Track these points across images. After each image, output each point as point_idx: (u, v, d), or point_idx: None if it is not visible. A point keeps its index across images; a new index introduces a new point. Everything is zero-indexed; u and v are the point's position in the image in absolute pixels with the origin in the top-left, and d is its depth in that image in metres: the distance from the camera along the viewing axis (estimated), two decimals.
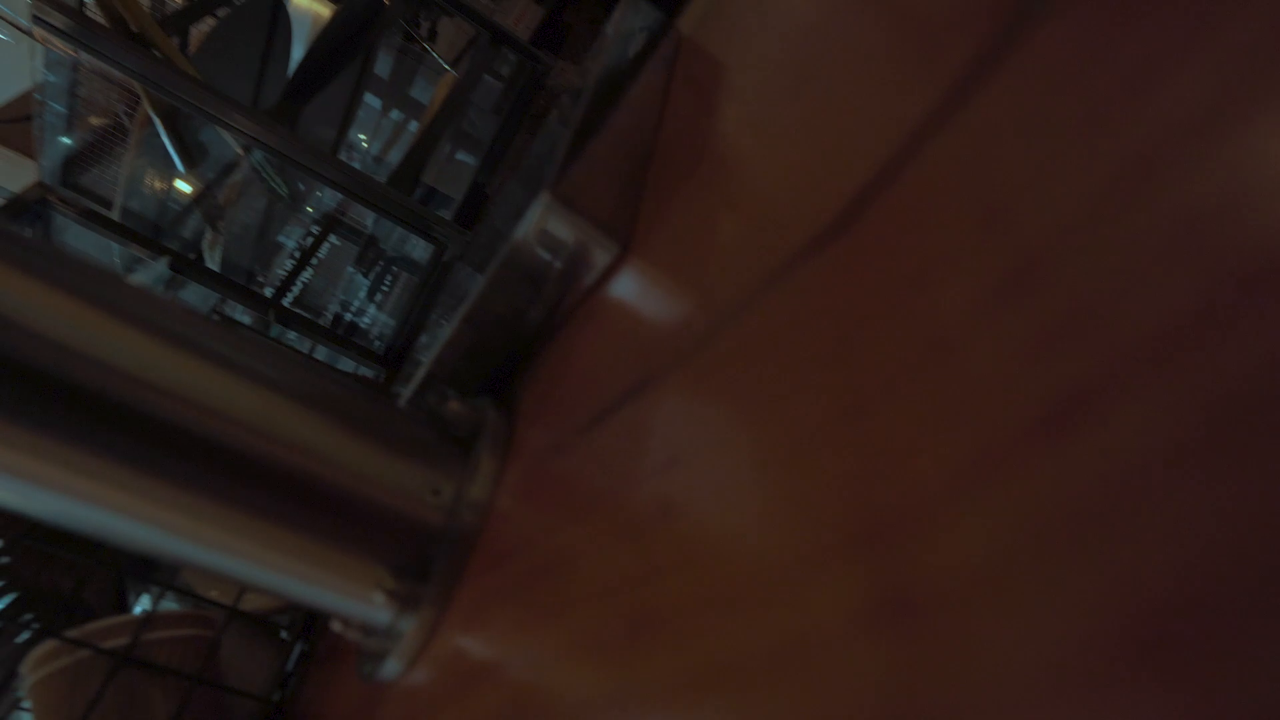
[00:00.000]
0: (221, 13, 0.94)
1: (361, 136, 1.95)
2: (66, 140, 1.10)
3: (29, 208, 0.91)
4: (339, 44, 0.95)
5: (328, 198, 1.29)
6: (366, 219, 1.35)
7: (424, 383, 0.35)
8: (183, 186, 1.06)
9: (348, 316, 1.47)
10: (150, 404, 0.23)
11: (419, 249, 1.44)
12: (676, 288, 0.21)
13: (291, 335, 1.11)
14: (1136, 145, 0.09)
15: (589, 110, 0.33)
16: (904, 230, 0.13)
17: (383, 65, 1.42)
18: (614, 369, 0.23)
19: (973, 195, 0.11)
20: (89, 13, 0.79)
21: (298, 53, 1.17)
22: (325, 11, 1.49)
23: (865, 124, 0.16)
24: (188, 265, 1.01)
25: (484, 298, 0.31)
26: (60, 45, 0.72)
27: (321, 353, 1.15)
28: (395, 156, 1.74)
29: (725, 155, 0.23)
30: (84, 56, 0.75)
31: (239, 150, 0.91)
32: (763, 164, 0.20)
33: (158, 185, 1.09)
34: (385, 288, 1.43)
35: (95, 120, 1.25)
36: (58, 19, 0.73)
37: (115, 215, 1.02)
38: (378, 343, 1.40)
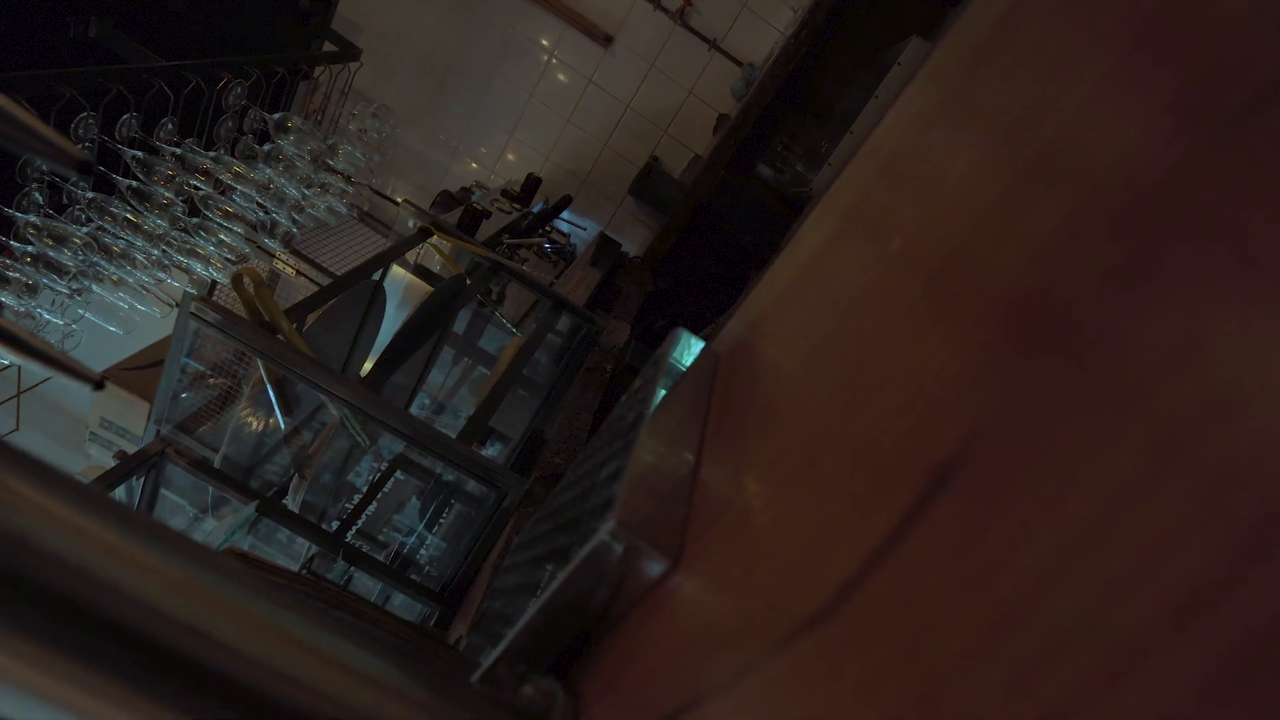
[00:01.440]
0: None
1: (434, 372, 2.15)
2: (185, 395, 1.26)
3: (151, 458, 1.04)
4: (426, 319, 1.12)
5: (400, 441, 1.42)
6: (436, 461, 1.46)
7: (498, 659, 0.41)
8: (277, 437, 1.20)
9: (408, 544, 1.54)
10: (223, 664, 0.27)
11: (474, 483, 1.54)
12: (713, 617, 0.28)
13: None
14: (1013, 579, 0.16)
15: (644, 434, 0.42)
16: (884, 612, 0.19)
17: (458, 322, 1.62)
18: (670, 678, 0.29)
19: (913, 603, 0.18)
20: (219, 297, 0.96)
21: (391, 309, 1.37)
22: (412, 277, 1.74)
23: (852, 518, 0.23)
24: (272, 508, 1.11)
25: (558, 594, 0.38)
26: (212, 335, 0.88)
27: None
28: (462, 394, 1.91)
29: (749, 506, 0.30)
30: (229, 342, 0.91)
31: (334, 411, 1.04)
32: (775, 532, 0.27)
33: (255, 435, 1.24)
34: (444, 519, 1.51)
35: (212, 380, 1.44)
36: (211, 315, 0.90)
37: (217, 462, 1.15)
38: (430, 569, 1.45)
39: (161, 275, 1.55)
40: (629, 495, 0.35)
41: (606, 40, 2.15)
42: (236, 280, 1.00)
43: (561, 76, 2.20)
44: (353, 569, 1.18)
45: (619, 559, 0.36)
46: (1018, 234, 0.24)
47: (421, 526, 1.45)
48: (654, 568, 0.35)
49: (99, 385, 0.47)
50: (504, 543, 0.96)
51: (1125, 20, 0.25)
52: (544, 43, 2.20)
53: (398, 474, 1.49)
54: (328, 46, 2.01)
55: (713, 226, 1.87)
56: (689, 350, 0.51)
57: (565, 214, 2.13)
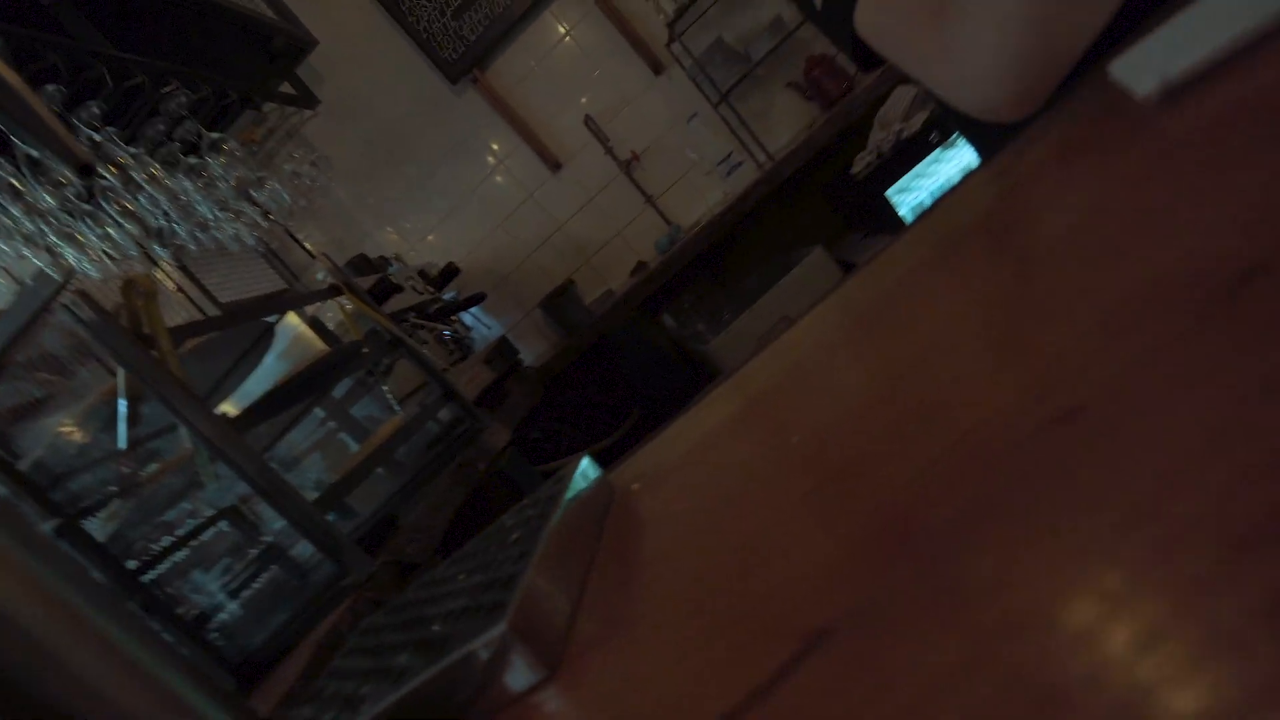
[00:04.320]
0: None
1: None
2: None
3: None
4: (312, 376, 1.10)
5: (238, 489, 1.33)
6: (270, 521, 1.37)
7: None
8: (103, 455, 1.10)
9: (211, 602, 1.39)
10: None
11: (305, 549, 1.44)
12: None
13: None
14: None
15: (540, 550, 0.45)
16: None
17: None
18: None
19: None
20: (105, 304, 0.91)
21: (271, 358, 1.32)
22: (305, 328, 1.68)
23: (726, 671, 0.27)
24: (70, 532, 1.00)
25: (424, 686, 0.39)
26: (82, 334, 0.83)
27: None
28: (314, 456, 1.81)
29: (634, 635, 0.34)
30: (94, 344, 0.86)
31: (188, 445, 0.98)
32: (655, 670, 0.31)
33: (79, 447, 1.12)
34: (257, 584, 1.39)
35: (44, 375, 1.31)
36: (86, 313, 0.85)
37: (24, 466, 1.03)
38: (235, 635, 1.31)
39: (25, 252, 1.43)
40: (523, 601, 0.38)
41: (556, 166, 2.29)
42: (128, 286, 0.96)
43: (505, 183, 2.31)
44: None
45: (495, 661, 0.38)
46: (900, 461, 0.31)
47: (234, 586, 1.33)
48: (529, 676, 0.37)
49: None
50: (333, 622, 0.91)
51: (989, 298, 0.34)
52: (495, 148, 2.32)
53: (222, 525, 1.37)
54: (286, 89, 2.02)
55: (609, 360, 1.95)
56: (587, 475, 0.55)
57: (473, 309, 2.16)
